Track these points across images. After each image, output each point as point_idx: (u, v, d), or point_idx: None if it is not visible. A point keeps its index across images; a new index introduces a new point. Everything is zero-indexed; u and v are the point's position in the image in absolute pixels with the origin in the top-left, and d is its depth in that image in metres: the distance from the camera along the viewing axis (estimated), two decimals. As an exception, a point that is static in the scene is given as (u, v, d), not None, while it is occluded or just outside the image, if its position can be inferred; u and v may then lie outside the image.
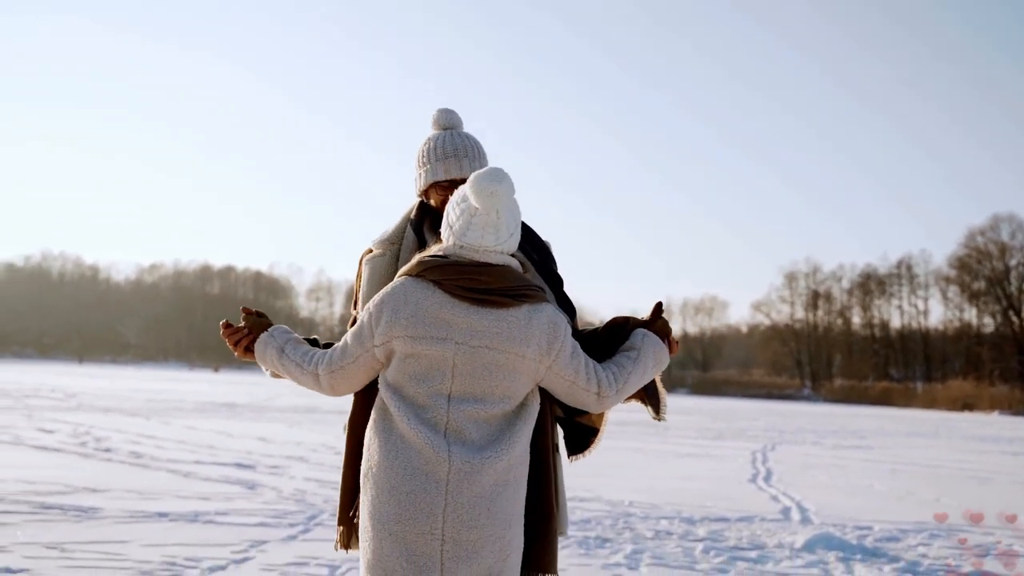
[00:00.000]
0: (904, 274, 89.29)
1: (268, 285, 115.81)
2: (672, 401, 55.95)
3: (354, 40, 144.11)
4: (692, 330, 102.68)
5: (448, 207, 2.78)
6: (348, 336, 2.79)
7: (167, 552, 6.38)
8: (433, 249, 2.78)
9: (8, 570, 5.65)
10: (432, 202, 3.03)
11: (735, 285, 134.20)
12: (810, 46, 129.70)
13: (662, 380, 3.00)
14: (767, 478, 13.42)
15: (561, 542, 7.35)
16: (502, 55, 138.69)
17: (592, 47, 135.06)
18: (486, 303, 2.67)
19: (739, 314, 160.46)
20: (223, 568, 5.99)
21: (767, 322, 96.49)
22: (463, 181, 2.94)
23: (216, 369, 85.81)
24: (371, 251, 3.05)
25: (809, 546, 7.64)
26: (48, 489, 8.98)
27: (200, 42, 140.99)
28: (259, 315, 3.01)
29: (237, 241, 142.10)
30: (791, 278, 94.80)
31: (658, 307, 2.96)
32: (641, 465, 14.61)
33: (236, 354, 2.99)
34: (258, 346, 2.93)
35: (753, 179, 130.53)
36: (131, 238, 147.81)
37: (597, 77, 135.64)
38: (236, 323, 2.99)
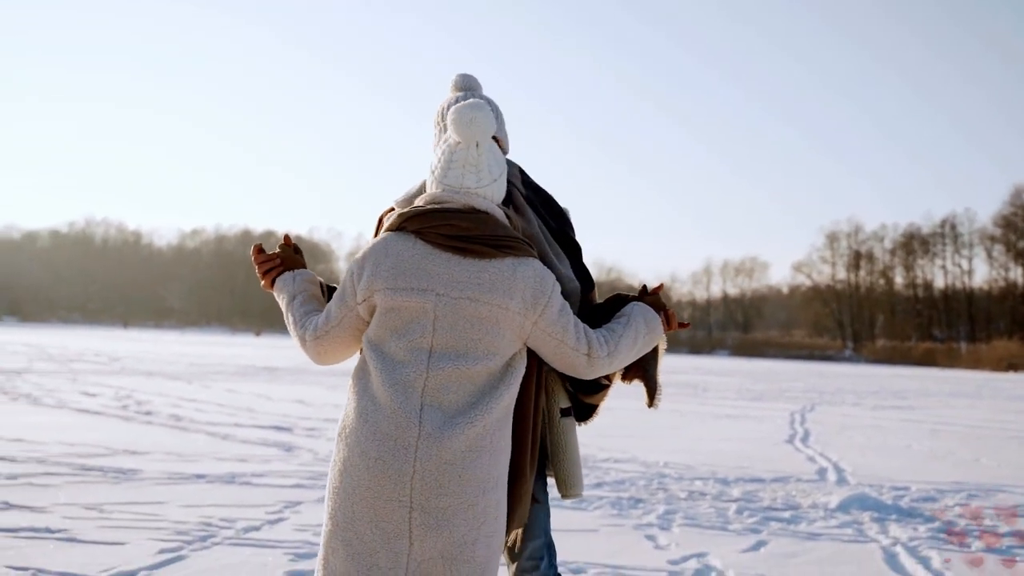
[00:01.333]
0: (948, 233, 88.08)
1: (308, 249, 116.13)
2: (712, 363, 55.82)
3: (398, 2, 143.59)
4: (732, 291, 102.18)
5: (432, 151, 2.78)
6: (332, 300, 2.74)
7: (203, 513, 6.46)
8: (417, 200, 2.73)
9: (48, 530, 5.75)
10: None
11: (776, 246, 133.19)
12: (854, 8, 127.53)
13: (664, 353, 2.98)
14: (804, 439, 13.36)
15: (593, 503, 7.40)
16: (544, 18, 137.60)
17: (633, 11, 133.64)
18: (468, 252, 2.57)
19: (780, 275, 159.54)
20: (257, 528, 6.06)
21: (808, 283, 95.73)
22: None
23: (257, 333, 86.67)
24: (392, 209, 3.06)
25: (843, 506, 7.59)
26: (89, 451, 9.13)
27: (241, 4, 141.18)
28: (296, 251, 2.96)
29: (277, 206, 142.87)
30: (832, 238, 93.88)
31: (657, 288, 2.98)
32: (678, 426, 14.59)
33: (262, 283, 2.96)
34: (277, 284, 2.88)
35: (794, 139, 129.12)
36: (172, 204, 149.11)
37: (638, 40, 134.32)
38: (271, 251, 2.95)
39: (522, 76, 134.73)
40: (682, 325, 2.98)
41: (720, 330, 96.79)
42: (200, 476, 7.98)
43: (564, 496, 2.97)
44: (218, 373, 23.83)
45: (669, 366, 44.97)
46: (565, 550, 5.64)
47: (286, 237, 2.96)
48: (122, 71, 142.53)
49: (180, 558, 5.23)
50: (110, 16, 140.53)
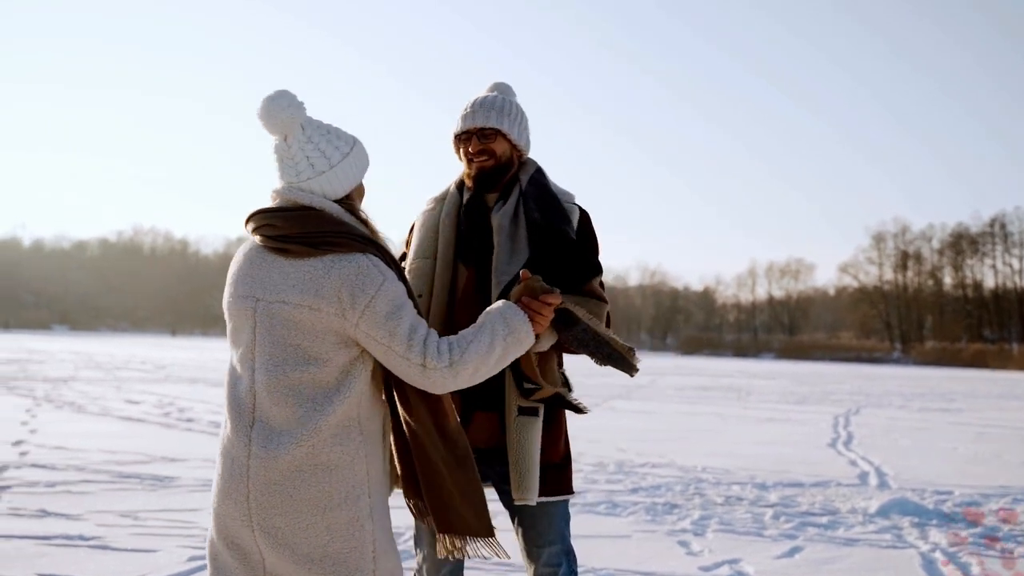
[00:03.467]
0: (998, 232, 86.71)
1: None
2: (756, 366, 55.34)
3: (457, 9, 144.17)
4: (778, 294, 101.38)
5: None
6: None
7: (236, 519, 6.47)
8: None
9: (81, 537, 5.80)
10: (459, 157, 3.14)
11: (821, 247, 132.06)
12: (898, 9, 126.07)
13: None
14: (847, 442, 13.17)
15: (627, 508, 7.33)
16: (591, 23, 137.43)
17: (676, 14, 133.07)
18: (288, 253, 2.43)
19: (826, 276, 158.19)
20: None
21: (855, 284, 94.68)
22: (477, 131, 3.03)
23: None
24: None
25: (883, 511, 7.46)
26: (128, 459, 9.21)
27: (301, 7, 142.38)
28: None
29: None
30: (879, 239, 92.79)
31: (524, 276, 2.66)
32: (719, 430, 14.45)
33: None
34: None
35: (838, 139, 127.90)
36: (219, 212, 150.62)
37: (681, 44, 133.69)
38: None
39: (565, 80, 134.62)
40: (547, 302, 2.60)
41: (765, 333, 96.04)
42: (235, 483, 8.00)
43: (514, 500, 2.90)
44: (261, 380, 23.95)
45: (712, 369, 44.66)
46: (595, 556, 5.59)
47: None
48: (170, 85, 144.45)
49: (209, 565, 5.24)
50: (162, 26, 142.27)
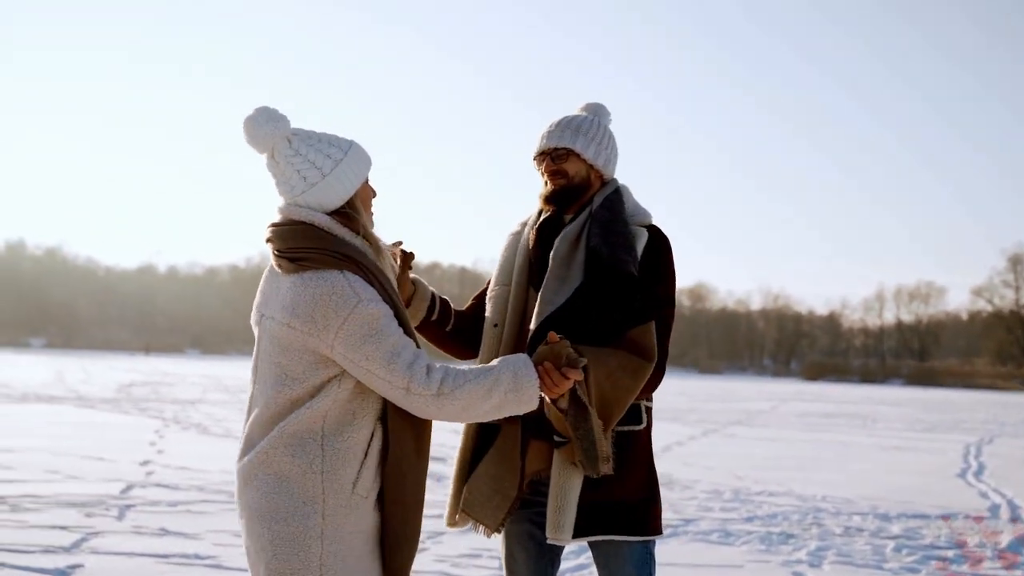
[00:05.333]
0: None
1: (472, 280, 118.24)
2: (884, 392, 53.70)
3: (555, 23, 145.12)
4: (907, 318, 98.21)
5: None
6: None
7: (346, 541, 6.55)
8: None
9: (197, 556, 5.95)
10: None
11: (953, 270, 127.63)
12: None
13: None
14: (978, 473, 12.64)
15: (741, 537, 7.17)
16: (690, 49, 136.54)
17: (791, 45, 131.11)
18: (281, 268, 2.42)
19: (958, 300, 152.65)
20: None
21: (989, 308, 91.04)
22: (556, 151, 2.91)
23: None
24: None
25: (1014, 546, 7.13)
26: (247, 479, 9.42)
27: (406, 18, 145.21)
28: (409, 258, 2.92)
29: (441, 238, 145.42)
30: (1016, 261, 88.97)
31: (551, 338, 2.51)
32: (842, 458, 14.04)
33: None
34: None
35: (971, 159, 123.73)
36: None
37: (796, 77, 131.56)
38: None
39: (684, 110, 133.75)
40: (567, 375, 2.46)
41: (894, 358, 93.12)
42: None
43: (547, 538, 2.72)
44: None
45: (837, 395, 43.49)
46: (705, 587, 5.47)
47: (399, 247, 2.88)
48: (299, 111, 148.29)
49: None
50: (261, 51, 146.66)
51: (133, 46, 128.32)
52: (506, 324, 2.90)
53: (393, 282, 2.54)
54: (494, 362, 2.47)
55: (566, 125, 2.92)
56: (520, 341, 2.85)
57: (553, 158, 2.91)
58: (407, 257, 2.90)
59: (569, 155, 2.89)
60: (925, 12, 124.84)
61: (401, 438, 2.44)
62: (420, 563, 5.99)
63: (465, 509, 2.89)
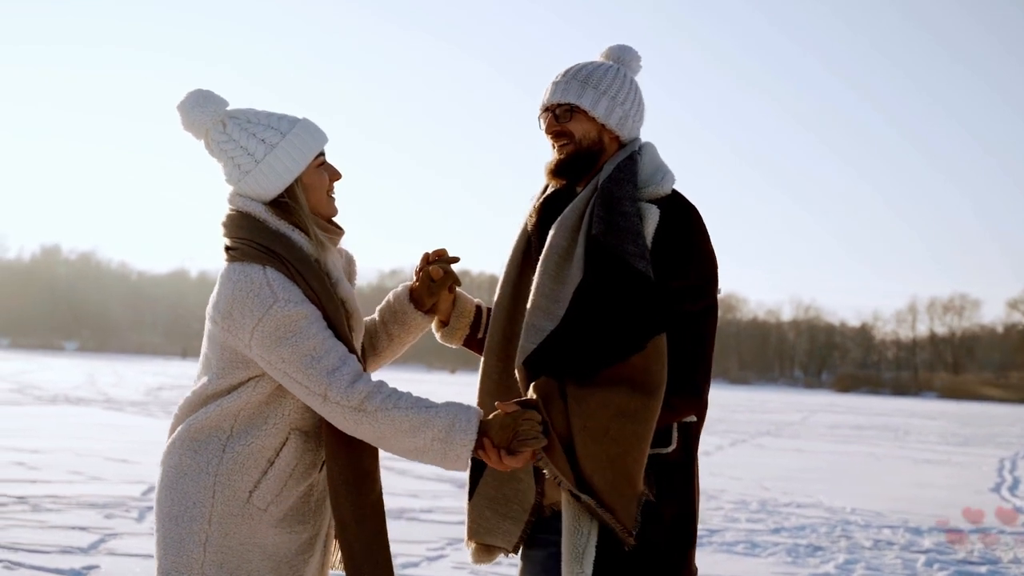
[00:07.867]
0: None
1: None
2: (917, 404, 53.11)
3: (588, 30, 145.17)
4: (940, 330, 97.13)
5: None
6: None
7: (365, 547, 6.47)
8: None
9: None
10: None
11: (988, 282, 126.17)
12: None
13: None
14: (1012, 488, 12.41)
15: (767, 548, 7.02)
16: (727, 60, 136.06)
17: (812, 54, 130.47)
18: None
19: (993, 313, 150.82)
20: (415, 565, 6.02)
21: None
22: (557, 107, 2.41)
23: (452, 371, 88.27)
24: None
25: (1049, 562, 6.94)
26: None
27: (454, 35, 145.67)
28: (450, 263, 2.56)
29: (474, 246, 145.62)
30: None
31: (505, 405, 2.22)
32: (873, 471, 13.84)
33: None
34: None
35: (1005, 170, 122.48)
36: (376, 242, 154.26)
37: (833, 92, 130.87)
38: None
39: (714, 127, 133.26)
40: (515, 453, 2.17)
41: (927, 371, 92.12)
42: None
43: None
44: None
45: (868, 407, 43.02)
46: (729, 599, 5.34)
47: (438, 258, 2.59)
48: (327, 114, 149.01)
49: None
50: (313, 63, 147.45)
51: (168, 53, 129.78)
52: (492, 313, 2.54)
53: (338, 280, 2.35)
54: (439, 402, 2.26)
55: (573, 75, 2.41)
56: (507, 332, 2.45)
57: (556, 116, 2.40)
58: (446, 277, 2.56)
59: (575, 112, 2.39)
60: (967, 39, 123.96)
61: (336, 456, 2.26)
62: (438, 570, 5.91)
63: (473, 538, 2.52)
